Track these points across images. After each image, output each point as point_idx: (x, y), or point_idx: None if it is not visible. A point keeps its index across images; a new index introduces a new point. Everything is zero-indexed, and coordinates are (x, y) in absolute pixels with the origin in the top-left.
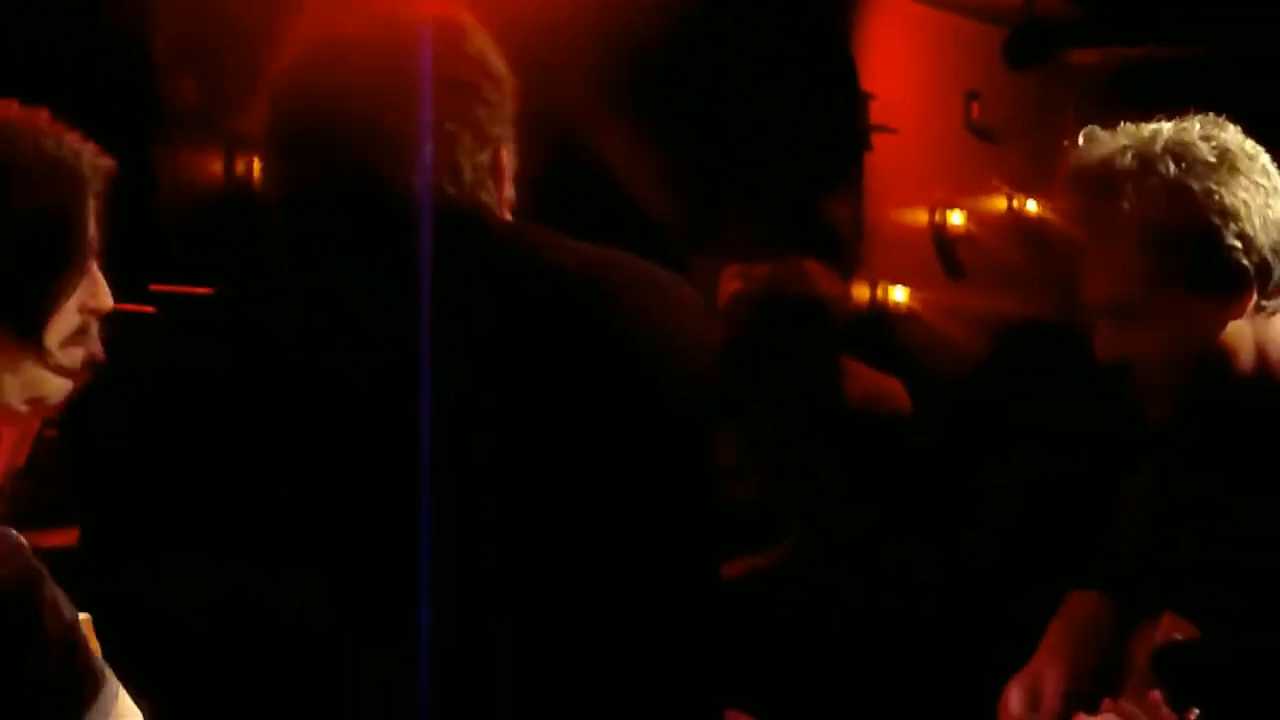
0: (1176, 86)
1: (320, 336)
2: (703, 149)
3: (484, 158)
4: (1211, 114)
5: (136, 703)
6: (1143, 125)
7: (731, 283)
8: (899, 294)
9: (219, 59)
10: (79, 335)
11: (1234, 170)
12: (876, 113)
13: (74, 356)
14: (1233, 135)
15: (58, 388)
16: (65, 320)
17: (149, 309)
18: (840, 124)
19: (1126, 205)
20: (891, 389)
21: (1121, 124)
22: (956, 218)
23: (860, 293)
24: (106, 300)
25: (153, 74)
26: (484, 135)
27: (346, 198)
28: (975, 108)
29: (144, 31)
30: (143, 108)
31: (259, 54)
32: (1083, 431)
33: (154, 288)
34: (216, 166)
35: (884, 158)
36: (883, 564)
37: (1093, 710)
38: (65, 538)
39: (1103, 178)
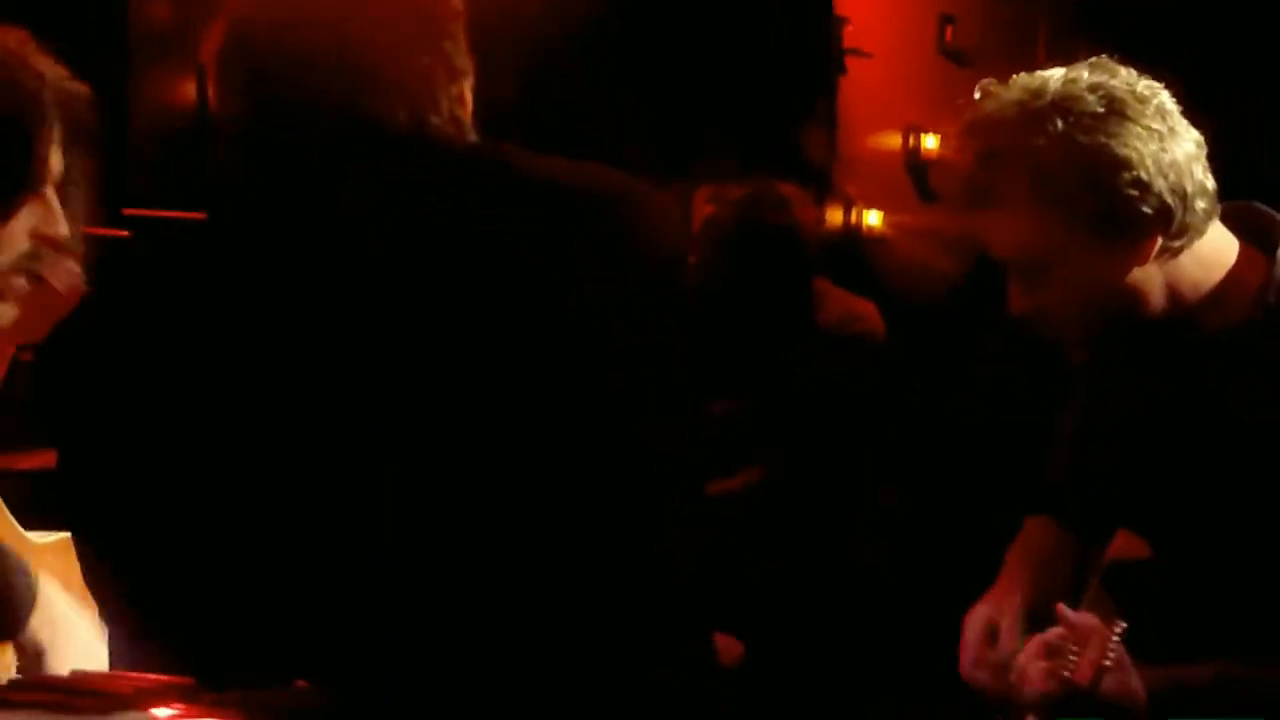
0: (1143, 8)
1: (311, 265)
2: (675, 74)
3: (455, 90)
4: (1104, 56)
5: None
6: (1035, 75)
7: (705, 206)
8: (872, 218)
9: None
10: (27, 259)
11: (1123, 119)
12: (850, 37)
13: (18, 282)
14: (1123, 80)
15: (6, 312)
16: (15, 242)
17: (122, 233)
18: (813, 47)
19: (1019, 164)
20: (865, 311)
21: (1013, 78)
22: (930, 141)
23: (834, 216)
24: (60, 228)
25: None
26: (453, 69)
27: (326, 132)
28: (949, 31)
29: None
30: (114, 30)
31: None
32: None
33: (126, 212)
34: (188, 90)
35: (857, 82)
36: (854, 489)
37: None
38: (36, 461)
39: (992, 139)
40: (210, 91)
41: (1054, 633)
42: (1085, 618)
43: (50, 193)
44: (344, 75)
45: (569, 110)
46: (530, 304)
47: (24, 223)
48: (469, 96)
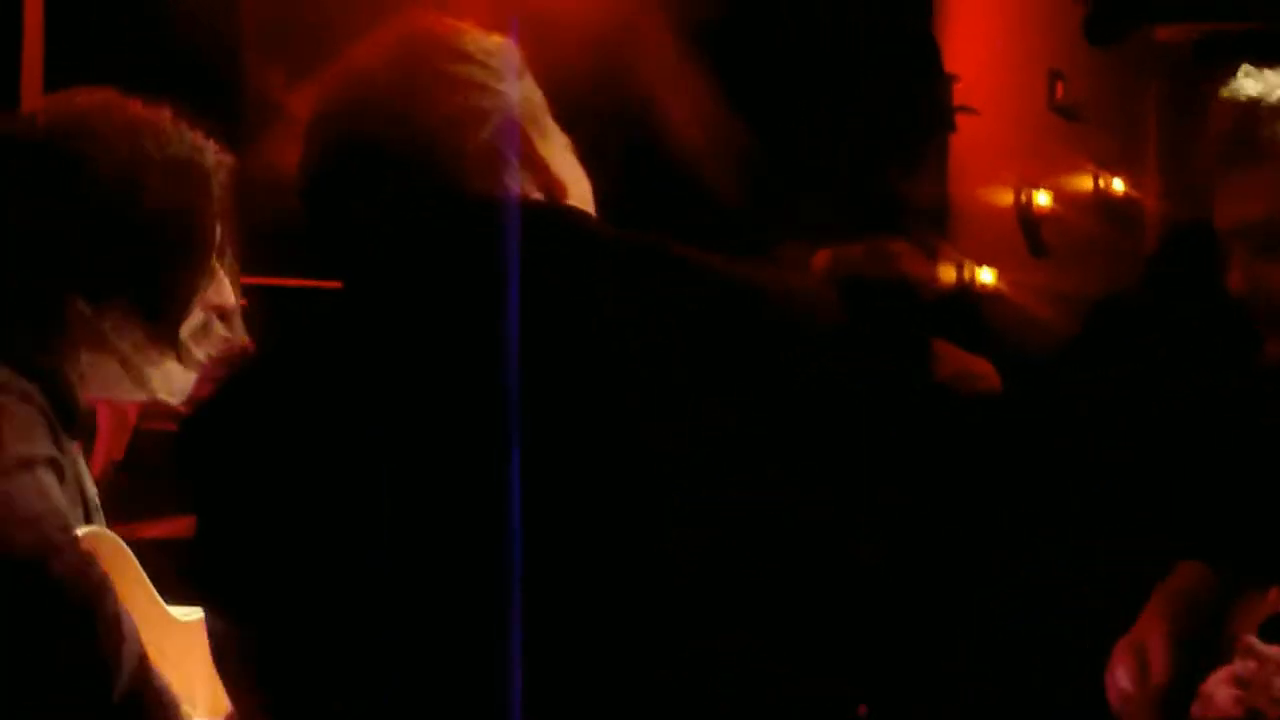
0: (1261, 60)
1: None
2: (787, 133)
3: (485, 133)
4: None
5: (252, 692)
6: None
7: (822, 265)
8: (985, 274)
9: (306, 49)
10: (203, 331)
11: None
12: (959, 94)
13: (202, 351)
14: None
15: (187, 381)
16: (196, 316)
17: (240, 301)
18: (924, 105)
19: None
20: (982, 370)
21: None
22: (1042, 197)
23: (947, 274)
24: (229, 297)
25: (241, 64)
26: (474, 113)
27: (414, 202)
28: (1059, 87)
29: (233, 22)
30: (228, 97)
31: (346, 44)
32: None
33: (244, 280)
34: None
35: (968, 138)
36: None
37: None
38: (163, 530)
39: (1257, 104)
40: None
41: (1244, 664)
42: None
43: (218, 264)
44: (420, 150)
45: (676, 170)
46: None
47: (204, 297)
48: (529, 141)
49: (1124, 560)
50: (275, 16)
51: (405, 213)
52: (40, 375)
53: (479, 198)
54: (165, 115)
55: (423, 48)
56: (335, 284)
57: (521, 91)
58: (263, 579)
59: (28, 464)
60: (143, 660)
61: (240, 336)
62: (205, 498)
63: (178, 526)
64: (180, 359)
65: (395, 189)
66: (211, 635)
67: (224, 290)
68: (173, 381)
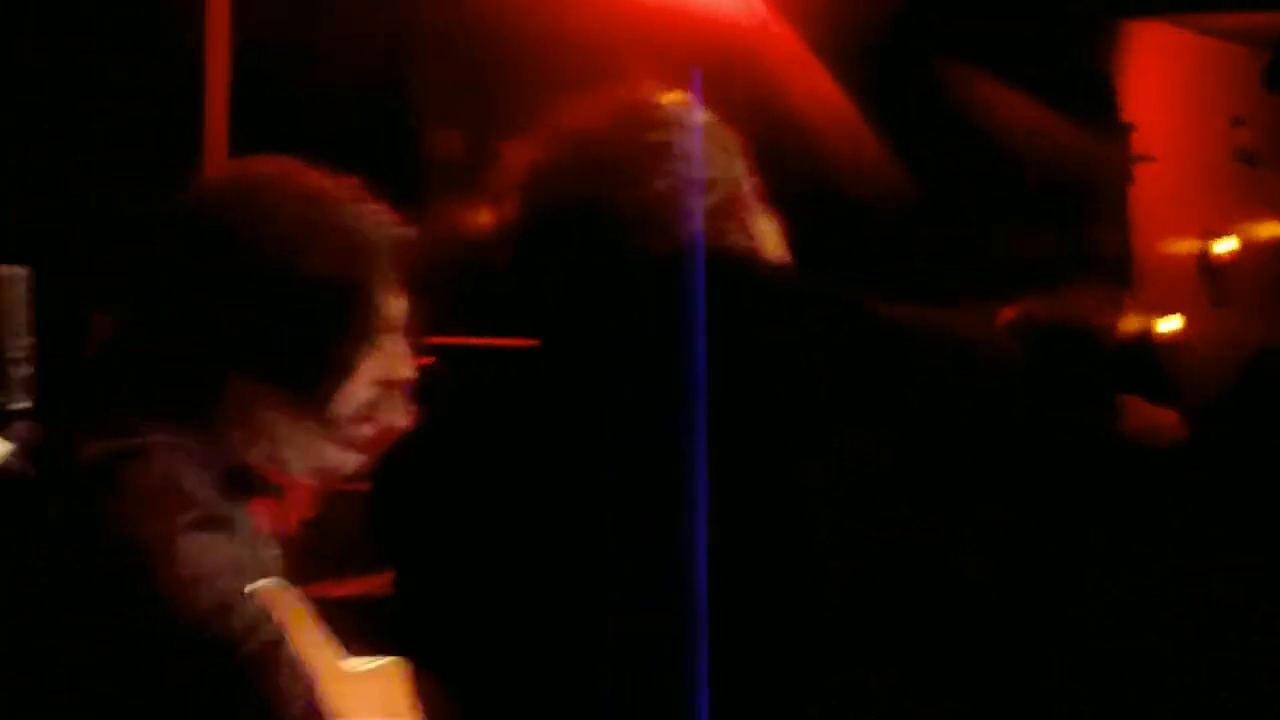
0: None
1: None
2: (965, 187)
3: (708, 202)
4: None
5: None
6: None
7: (1007, 317)
8: (1168, 324)
9: (483, 112)
10: (372, 408)
11: None
12: (1138, 142)
13: (363, 430)
14: None
15: (343, 460)
16: (357, 393)
17: (427, 360)
18: (1096, 156)
19: None
20: (1168, 421)
21: None
22: (1223, 245)
23: (1130, 323)
24: (405, 372)
25: (418, 127)
26: (698, 183)
27: (600, 258)
28: (1239, 134)
29: (408, 84)
30: (409, 161)
31: (521, 107)
32: None
33: (428, 340)
34: (480, 219)
35: (1148, 187)
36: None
37: None
38: (354, 588)
39: None
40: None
41: None
42: None
43: (390, 340)
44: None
45: (859, 224)
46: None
47: (368, 373)
48: (740, 199)
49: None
50: (450, 81)
51: (611, 276)
52: (208, 436)
53: (694, 262)
54: (344, 186)
55: (641, 115)
56: (522, 342)
57: (741, 170)
58: (458, 631)
59: (201, 523)
60: (317, 710)
61: (401, 415)
62: (397, 555)
63: (368, 585)
64: (333, 439)
65: (606, 253)
66: (413, 683)
67: (394, 366)
68: (325, 461)
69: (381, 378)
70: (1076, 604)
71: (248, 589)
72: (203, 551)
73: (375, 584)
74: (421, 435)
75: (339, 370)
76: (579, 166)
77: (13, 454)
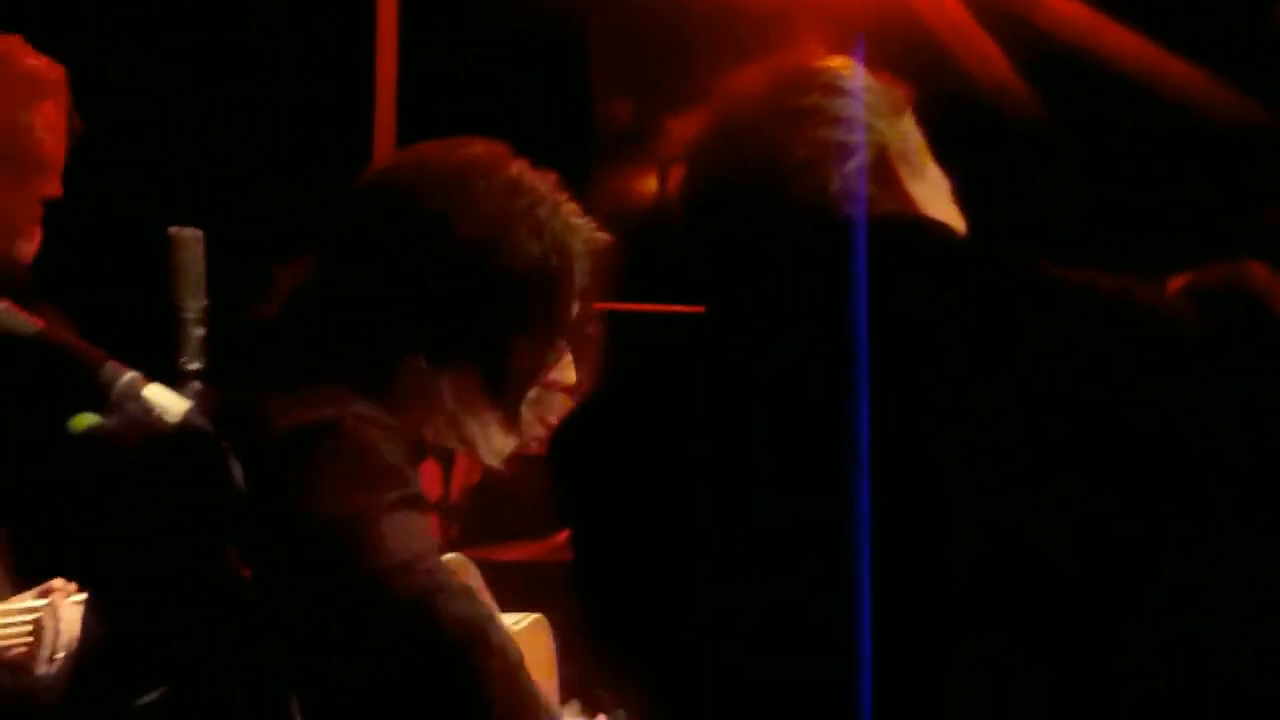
0: None
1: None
2: (1142, 160)
3: (850, 166)
4: None
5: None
6: None
7: (1180, 286)
8: None
9: (654, 81)
10: (535, 403)
11: None
12: None
13: (529, 421)
14: None
15: (505, 447)
16: (525, 386)
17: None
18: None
19: None
20: None
21: None
22: None
23: None
24: (570, 376)
25: (590, 97)
26: (840, 147)
27: (751, 220)
28: None
29: (582, 54)
30: (580, 130)
31: (692, 77)
32: None
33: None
34: (649, 187)
35: None
36: None
37: None
38: (518, 553)
39: None
40: (676, 184)
41: None
42: None
43: (564, 343)
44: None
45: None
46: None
47: (543, 369)
48: (892, 160)
49: None
50: (623, 50)
51: (766, 242)
52: (391, 410)
53: (839, 228)
54: (549, 181)
55: (795, 81)
56: (692, 308)
57: (897, 128)
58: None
59: (406, 502)
60: (525, 685)
61: (556, 409)
62: (577, 515)
63: (533, 550)
64: (504, 425)
65: (760, 219)
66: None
67: (566, 369)
68: (495, 445)
69: (554, 379)
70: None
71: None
72: (406, 531)
73: (538, 549)
74: (599, 399)
75: (531, 365)
76: (735, 132)
77: (193, 410)
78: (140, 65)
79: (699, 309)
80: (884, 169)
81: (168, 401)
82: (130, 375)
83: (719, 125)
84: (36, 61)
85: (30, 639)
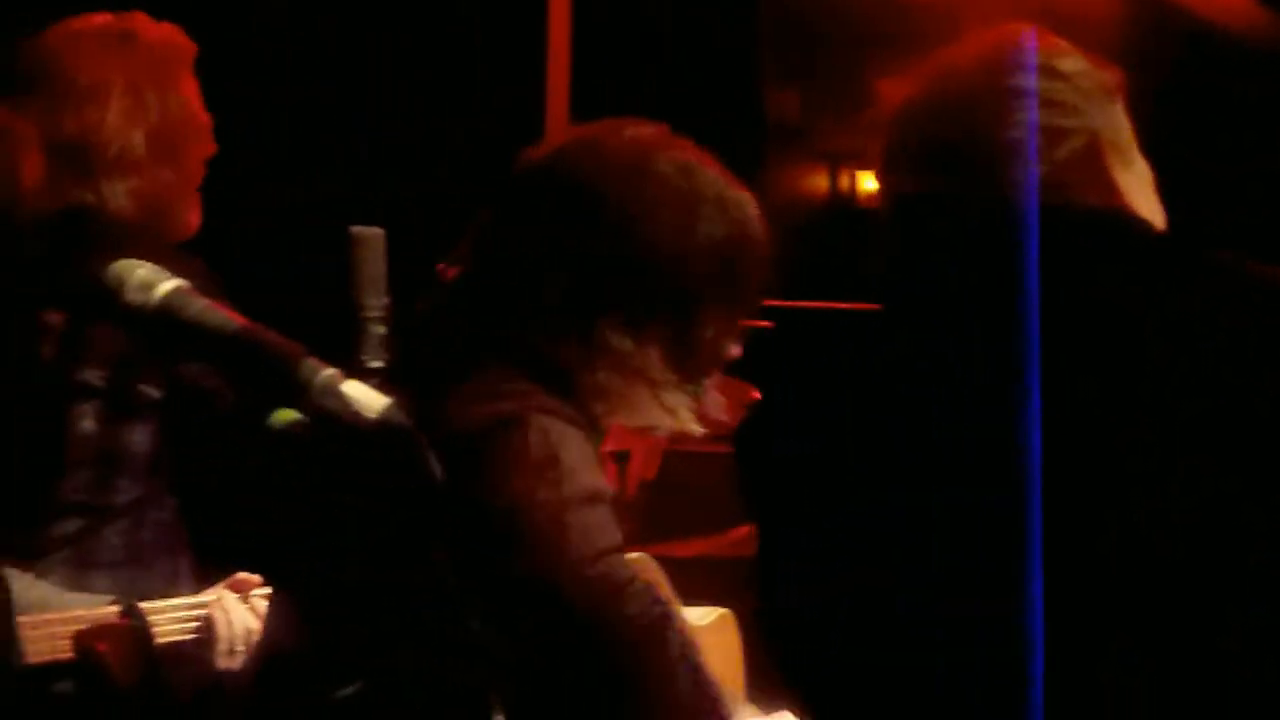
0: None
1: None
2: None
3: (1061, 153)
4: None
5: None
6: None
7: None
8: None
9: (821, 75)
10: (714, 382)
11: None
12: None
13: (706, 398)
14: None
15: (690, 422)
16: (706, 364)
17: (766, 324)
18: None
19: None
20: None
21: None
22: None
23: None
24: (737, 352)
25: (758, 90)
26: (1054, 132)
27: (949, 208)
28: None
29: (751, 48)
30: (750, 123)
31: (859, 72)
32: None
33: (766, 303)
34: (820, 181)
35: None
36: None
37: None
38: (694, 549)
39: None
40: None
41: None
42: None
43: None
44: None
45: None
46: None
47: (718, 345)
48: (1104, 148)
49: None
50: (793, 44)
51: (963, 220)
52: (582, 406)
53: (1045, 214)
54: (717, 167)
55: (1011, 61)
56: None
57: (1109, 117)
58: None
59: (596, 497)
60: (706, 681)
61: (718, 406)
62: (763, 511)
63: (709, 545)
64: (696, 400)
65: (961, 196)
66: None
67: (737, 346)
68: (680, 419)
69: (728, 352)
70: None
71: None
72: (589, 526)
73: (715, 544)
74: (777, 397)
75: (720, 340)
76: (944, 105)
77: (392, 406)
78: (323, 66)
79: (869, 306)
80: (1094, 157)
81: (367, 397)
82: (329, 371)
83: (927, 96)
84: (162, 33)
85: (198, 633)
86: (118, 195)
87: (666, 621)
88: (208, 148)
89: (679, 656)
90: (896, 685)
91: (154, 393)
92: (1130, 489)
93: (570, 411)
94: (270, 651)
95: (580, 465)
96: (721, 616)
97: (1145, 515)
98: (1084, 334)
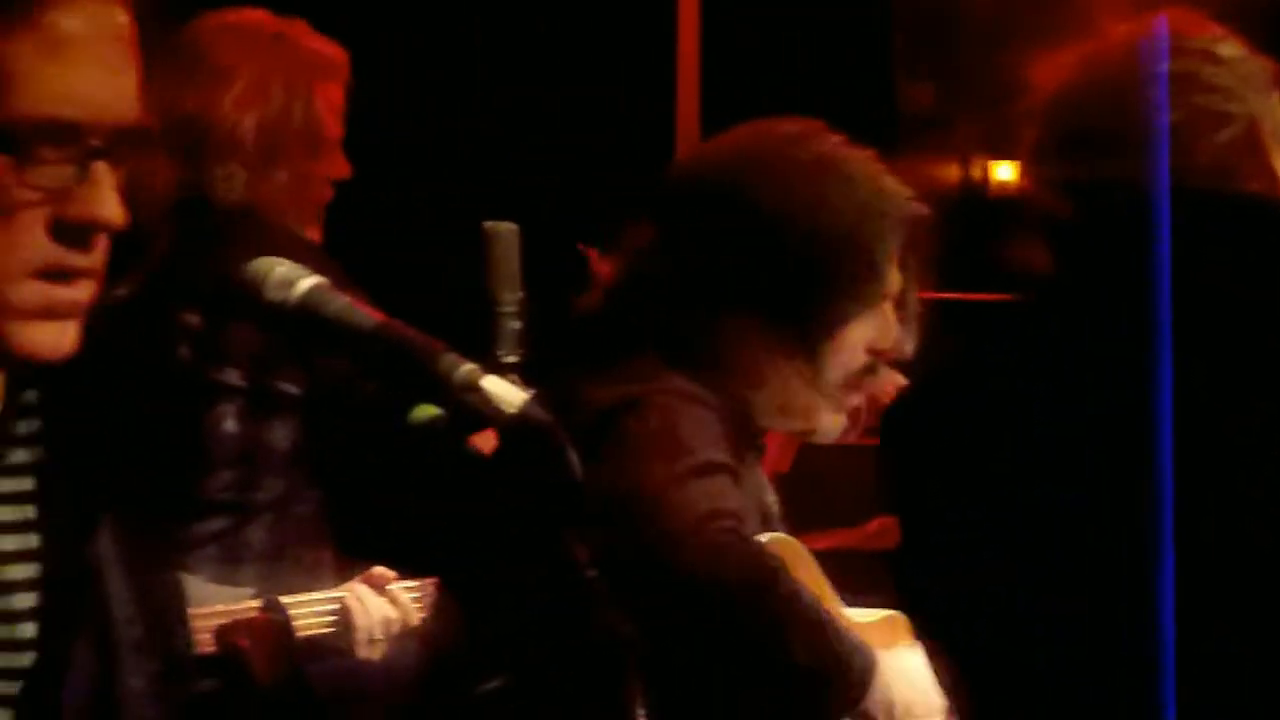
0: None
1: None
2: None
3: (1223, 138)
4: None
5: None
6: None
7: None
8: None
9: (953, 67)
10: (862, 375)
11: None
12: None
13: (850, 396)
14: None
15: (830, 424)
16: (850, 356)
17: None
18: None
19: None
20: None
21: None
22: None
23: None
24: (892, 342)
25: (892, 79)
26: (1215, 116)
27: (1097, 196)
28: None
29: (886, 38)
30: (883, 115)
31: (992, 63)
32: None
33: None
34: (952, 171)
35: None
36: None
37: None
38: (829, 541)
39: None
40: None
41: None
42: None
43: (888, 308)
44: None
45: None
46: None
47: (860, 336)
48: (1264, 133)
49: None
50: (926, 35)
51: (1118, 204)
52: (723, 391)
53: (1200, 198)
54: (860, 156)
55: (1163, 47)
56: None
57: (1267, 104)
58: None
59: (705, 469)
60: (827, 625)
61: (886, 387)
62: (907, 503)
63: (844, 538)
64: (824, 398)
65: (1115, 186)
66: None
67: (889, 335)
68: (812, 420)
69: (874, 345)
70: None
71: (743, 533)
72: (697, 499)
73: (850, 536)
74: (929, 387)
75: (834, 325)
76: (1102, 88)
77: (531, 401)
78: (461, 67)
79: (1003, 297)
80: (1254, 144)
81: (507, 392)
82: (469, 366)
83: (1078, 84)
84: (317, 43)
85: (335, 625)
86: (224, 180)
87: (774, 577)
88: (334, 167)
89: (794, 601)
90: (1037, 678)
91: (293, 390)
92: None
93: (698, 390)
94: (421, 644)
95: (697, 440)
96: (891, 616)
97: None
98: (1244, 323)
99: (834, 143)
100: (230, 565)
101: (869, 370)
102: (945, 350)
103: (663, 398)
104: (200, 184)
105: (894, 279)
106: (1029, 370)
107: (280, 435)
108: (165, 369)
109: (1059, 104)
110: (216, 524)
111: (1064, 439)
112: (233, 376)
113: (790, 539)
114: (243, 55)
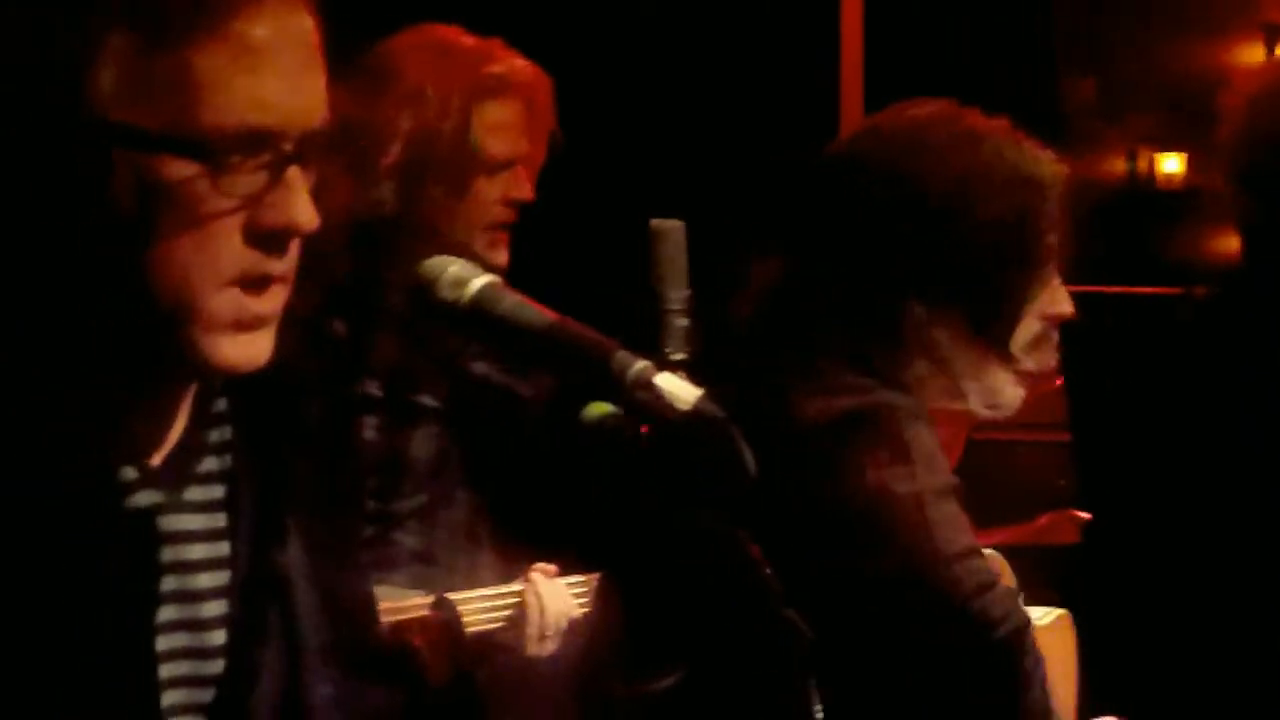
0: None
1: None
2: None
3: None
4: None
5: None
6: None
7: None
8: None
9: (1118, 61)
10: (1040, 342)
11: None
12: None
13: (1034, 363)
14: None
15: (1013, 397)
16: (1027, 327)
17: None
18: None
19: None
20: None
21: None
22: None
23: None
24: (1067, 307)
25: (1055, 74)
26: None
27: None
28: None
29: (1048, 33)
30: (1047, 107)
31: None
32: None
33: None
34: (1118, 165)
35: None
36: None
37: None
38: (1000, 537)
39: None
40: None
41: None
42: None
43: (1052, 274)
44: None
45: None
46: None
47: (1037, 306)
48: None
49: None
50: (1088, 29)
51: None
52: (904, 386)
53: None
54: (1002, 126)
55: None
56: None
57: None
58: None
59: (949, 490)
60: (1048, 694)
61: (1056, 353)
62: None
63: (1015, 534)
64: (1008, 371)
65: None
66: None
67: (1062, 301)
68: (998, 395)
69: (1046, 312)
70: None
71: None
72: (953, 522)
73: (1021, 532)
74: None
75: (1015, 299)
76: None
77: (705, 398)
78: (624, 64)
79: (1169, 290)
80: None
81: (680, 389)
82: (642, 364)
83: (1270, 77)
84: (494, 63)
85: (510, 621)
86: (374, 190)
87: (1025, 630)
88: (511, 188)
89: (1034, 668)
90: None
91: (431, 402)
92: None
93: (911, 402)
94: (594, 640)
95: (931, 458)
96: (1060, 617)
97: None
98: None
99: (978, 122)
100: (381, 572)
101: (1044, 337)
102: (1134, 345)
103: (887, 410)
104: (359, 193)
105: (1055, 241)
106: (1223, 363)
107: (418, 445)
108: (316, 379)
109: (1257, 106)
110: (364, 532)
111: (1263, 432)
112: (372, 388)
113: (994, 553)
114: (418, 66)
